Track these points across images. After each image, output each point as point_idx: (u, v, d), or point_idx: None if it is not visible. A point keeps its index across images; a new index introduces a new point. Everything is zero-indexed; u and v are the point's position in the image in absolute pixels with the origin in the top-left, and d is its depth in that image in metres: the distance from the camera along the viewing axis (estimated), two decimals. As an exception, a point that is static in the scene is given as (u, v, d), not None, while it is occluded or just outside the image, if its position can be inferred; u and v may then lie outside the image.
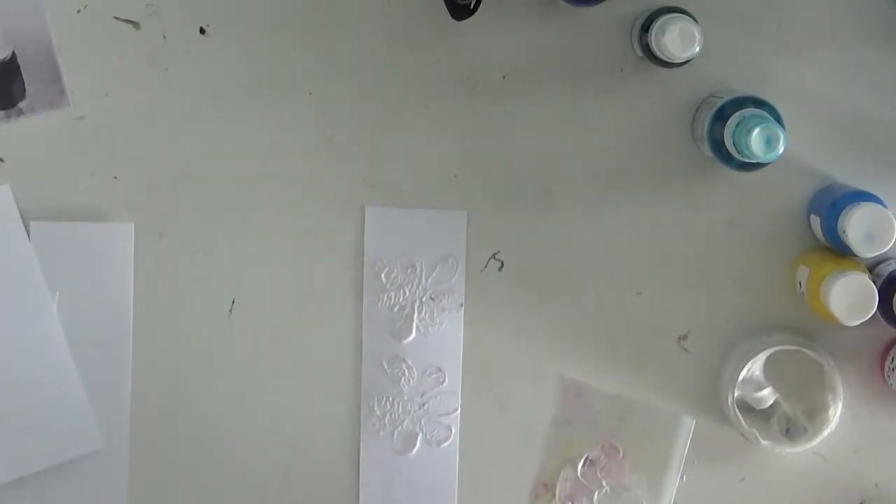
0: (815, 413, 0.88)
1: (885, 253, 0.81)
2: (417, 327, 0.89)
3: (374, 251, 0.89)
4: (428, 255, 0.89)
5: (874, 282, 0.82)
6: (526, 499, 0.90)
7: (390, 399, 0.90)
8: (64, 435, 0.88)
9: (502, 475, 0.91)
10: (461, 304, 0.89)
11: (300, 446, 0.90)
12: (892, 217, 0.80)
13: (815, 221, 0.86)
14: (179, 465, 0.90)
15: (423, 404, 0.90)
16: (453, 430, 0.90)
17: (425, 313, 0.89)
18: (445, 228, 0.89)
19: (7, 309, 0.87)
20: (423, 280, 0.89)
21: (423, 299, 0.89)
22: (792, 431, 0.89)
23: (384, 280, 0.89)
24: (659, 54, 0.82)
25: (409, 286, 0.89)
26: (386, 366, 0.89)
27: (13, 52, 0.86)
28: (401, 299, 0.89)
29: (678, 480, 0.89)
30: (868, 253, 0.80)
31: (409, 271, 0.89)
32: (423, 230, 0.89)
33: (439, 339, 0.89)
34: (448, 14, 0.84)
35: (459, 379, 0.90)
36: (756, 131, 0.78)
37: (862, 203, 0.80)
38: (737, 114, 0.80)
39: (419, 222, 0.89)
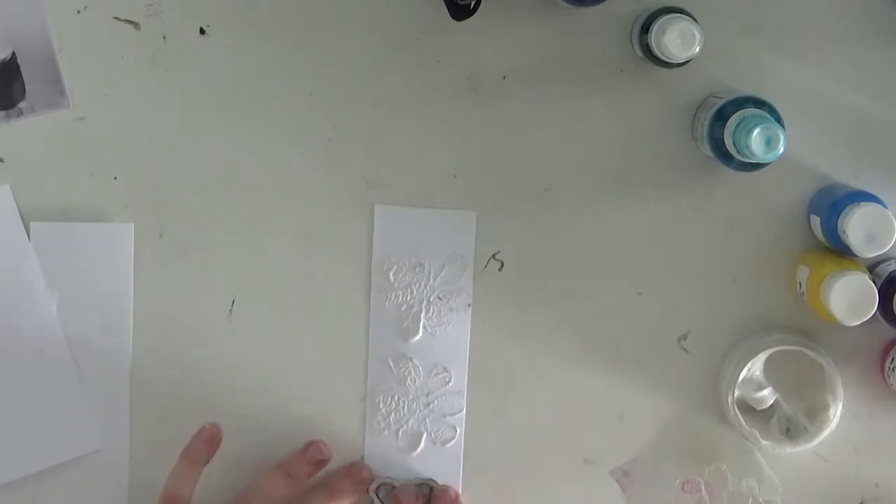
0: (815, 413, 0.88)
1: (885, 253, 0.81)
2: (425, 327, 0.89)
3: (383, 250, 0.89)
4: (436, 254, 0.89)
5: (874, 282, 0.82)
6: (529, 499, 0.91)
7: (395, 398, 0.90)
8: (63, 435, 0.88)
9: (504, 475, 0.91)
10: (469, 305, 0.89)
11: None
12: (892, 217, 0.80)
13: (815, 221, 0.86)
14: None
15: (429, 404, 0.90)
16: (458, 430, 0.90)
17: (433, 313, 0.89)
18: (454, 228, 0.89)
19: (7, 309, 0.87)
20: (432, 280, 0.89)
21: (431, 299, 0.89)
22: (792, 431, 0.89)
23: (392, 279, 0.89)
24: (659, 54, 0.82)
25: (417, 285, 0.89)
26: (392, 364, 0.89)
27: (13, 52, 0.86)
28: (408, 298, 0.89)
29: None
30: (868, 253, 0.80)
31: (417, 270, 0.89)
32: (431, 229, 0.89)
33: (446, 339, 0.89)
34: (448, 14, 0.84)
35: (465, 379, 0.90)
36: (756, 131, 0.78)
37: (862, 203, 0.80)
38: (737, 114, 0.80)
39: (428, 222, 0.89)
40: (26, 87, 0.86)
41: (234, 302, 0.89)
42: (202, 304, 0.89)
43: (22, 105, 0.87)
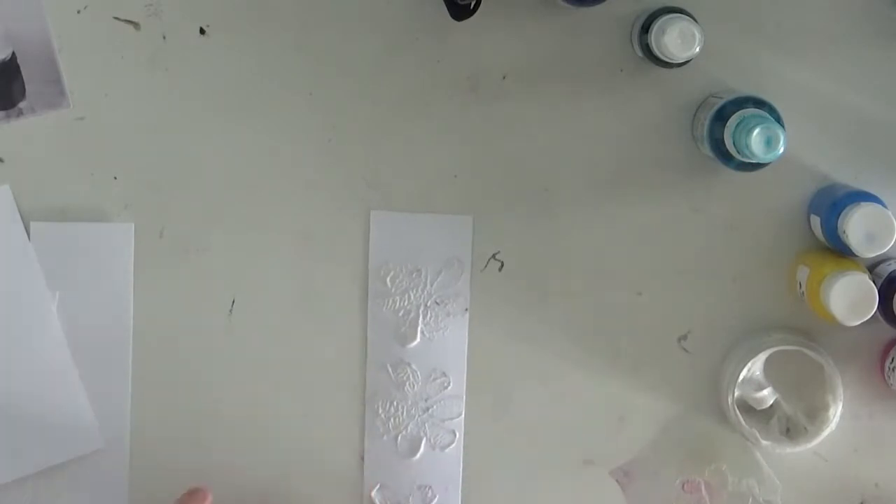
0: (815, 413, 0.88)
1: (885, 253, 0.81)
2: (422, 332, 0.89)
3: (380, 256, 0.89)
4: (433, 259, 0.89)
5: (874, 282, 0.82)
6: (529, 499, 0.91)
7: (394, 403, 0.90)
8: (64, 435, 0.88)
9: (504, 476, 0.91)
10: (466, 309, 0.89)
11: (302, 448, 0.90)
12: (892, 217, 0.80)
13: (815, 221, 0.86)
14: (179, 465, 0.90)
15: (428, 409, 0.90)
16: (457, 435, 0.90)
17: (430, 318, 0.89)
18: (451, 233, 0.89)
19: (7, 309, 0.87)
20: (429, 285, 0.89)
21: (429, 304, 0.89)
22: (792, 431, 0.89)
23: (389, 284, 0.89)
24: (659, 54, 0.82)
25: (415, 291, 0.89)
26: (390, 370, 0.89)
27: (13, 52, 0.86)
28: (406, 304, 0.89)
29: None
30: (868, 253, 0.80)
31: (414, 276, 0.89)
32: (428, 234, 0.89)
33: (444, 344, 0.89)
34: (448, 14, 0.84)
35: (464, 384, 0.90)
36: (756, 131, 0.78)
37: (862, 203, 0.80)
38: (737, 114, 0.80)
39: (424, 227, 0.89)
40: (26, 87, 0.86)
41: (234, 302, 0.89)
42: (202, 304, 0.89)
43: (22, 105, 0.87)
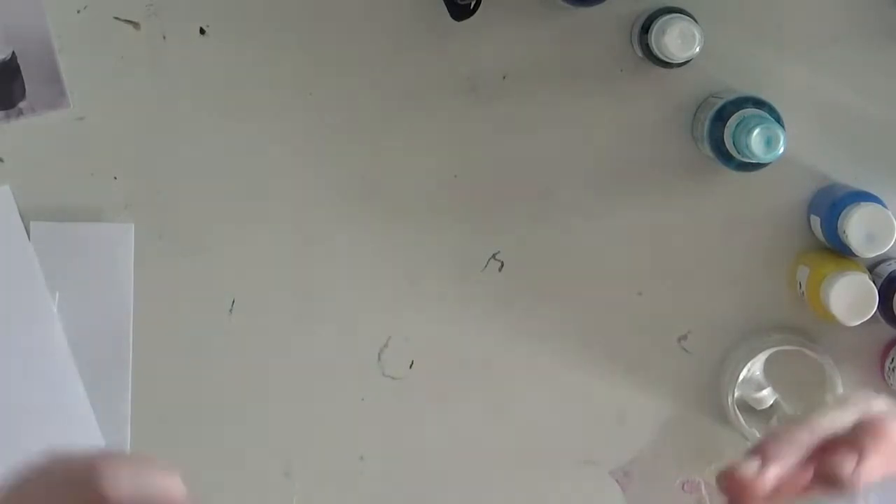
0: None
1: (885, 253, 0.81)
2: None
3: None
4: None
5: (874, 282, 0.82)
6: (529, 499, 0.91)
7: None
8: (63, 435, 0.88)
9: (505, 475, 0.91)
10: None
11: (302, 446, 0.90)
12: (892, 217, 0.80)
13: (815, 221, 0.86)
14: (179, 464, 0.89)
15: None
16: None
17: None
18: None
19: (7, 309, 0.87)
20: None
21: None
22: (792, 431, 0.89)
23: None
24: (659, 54, 0.82)
25: None
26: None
27: (13, 52, 0.86)
28: None
29: None
30: (868, 253, 0.80)
31: None
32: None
33: None
34: (448, 14, 0.84)
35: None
36: (756, 131, 0.78)
37: (862, 203, 0.80)
38: (737, 114, 0.80)
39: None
40: (26, 87, 0.86)
41: (234, 302, 0.89)
42: (202, 304, 0.89)
43: (22, 105, 0.87)
